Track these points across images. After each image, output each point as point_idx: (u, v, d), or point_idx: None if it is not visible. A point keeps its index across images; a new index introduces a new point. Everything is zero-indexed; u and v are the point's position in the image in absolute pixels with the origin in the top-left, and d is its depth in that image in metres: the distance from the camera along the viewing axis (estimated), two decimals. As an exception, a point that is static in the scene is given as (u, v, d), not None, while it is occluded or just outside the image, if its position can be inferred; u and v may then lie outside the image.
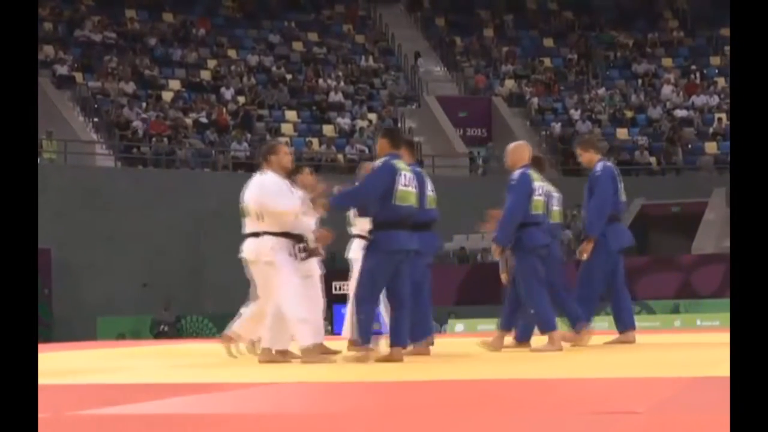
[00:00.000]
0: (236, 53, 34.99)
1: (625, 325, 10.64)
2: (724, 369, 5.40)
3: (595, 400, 5.12)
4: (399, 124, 33.79)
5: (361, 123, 32.99)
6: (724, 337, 9.22)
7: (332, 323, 21.44)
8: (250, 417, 4.76)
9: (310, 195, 8.53)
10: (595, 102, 35.93)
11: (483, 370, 7.59)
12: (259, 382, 6.87)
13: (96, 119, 30.51)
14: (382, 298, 8.77)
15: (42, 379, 4.91)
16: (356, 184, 8.75)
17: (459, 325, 23.97)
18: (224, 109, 31.82)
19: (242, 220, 8.95)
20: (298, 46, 36.33)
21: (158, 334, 25.45)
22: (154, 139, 29.78)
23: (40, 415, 4.16)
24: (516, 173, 9.55)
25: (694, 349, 9.78)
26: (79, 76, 31.40)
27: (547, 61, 37.90)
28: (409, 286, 8.49)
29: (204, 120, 31.17)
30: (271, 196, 8.46)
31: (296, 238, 8.56)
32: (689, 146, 34.20)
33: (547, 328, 9.54)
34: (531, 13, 40.13)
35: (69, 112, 30.01)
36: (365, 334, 8.31)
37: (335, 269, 14.58)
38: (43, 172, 24.13)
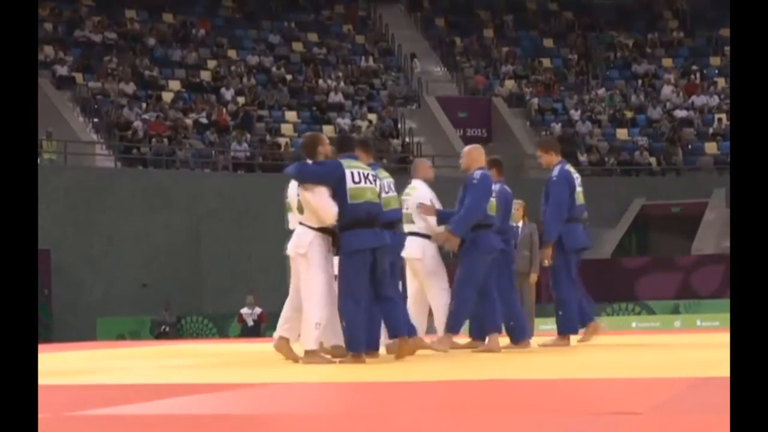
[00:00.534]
0: (236, 54, 35.00)
1: (581, 322, 10.62)
2: (724, 369, 5.41)
3: (595, 401, 5.12)
4: (399, 125, 33.81)
5: (361, 123, 32.99)
6: (724, 338, 9.22)
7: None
8: (250, 417, 4.76)
9: None
10: (595, 102, 35.93)
11: (483, 371, 7.59)
12: (258, 383, 6.87)
13: (96, 120, 30.51)
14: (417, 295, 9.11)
15: (42, 380, 4.91)
16: None
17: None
18: (224, 110, 31.82)
19: (286, 215, 8.82)
20: (298, 46, 36.34)
21: (159, 335, 25.46)
22: (154, 139, 29.78)
23: (40, 416, 4.16)
24: (477, 173, 9.57)
25: (694, 350, 9.78)
26: (79, 77, 31.40)
27: (547, 62, 37.90)
28: (389, 281, 8.52)
29: (204, 120, 31.17)
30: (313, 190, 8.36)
31: (334, 234, 8.46)
32: (689, 146, 34.21)
33: (452, 329, 9.53)
34: (531, 14, 40.14)
35: (69, 112, 30.00)
36: (353, 340, 8.25)
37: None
38: (42, 172, 24.14)
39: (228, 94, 32.61)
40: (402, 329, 8.58)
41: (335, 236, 8.43)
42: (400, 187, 9.79)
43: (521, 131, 34.83)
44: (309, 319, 8.32)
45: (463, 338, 10.30)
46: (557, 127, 34.62)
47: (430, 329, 10.21)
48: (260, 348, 13.46)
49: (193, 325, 26.32)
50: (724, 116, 34.45)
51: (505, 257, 10.08)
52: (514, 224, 11.28)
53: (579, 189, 10.79)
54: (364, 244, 8.24)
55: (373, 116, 33.63)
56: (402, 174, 12.61)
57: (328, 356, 8.62)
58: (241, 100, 32.65)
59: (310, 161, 8.51)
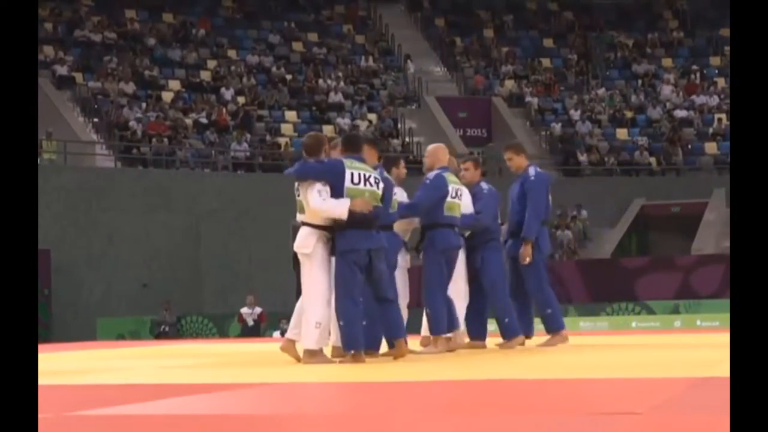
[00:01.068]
0: (236, 53, 35.01)
1: (525, 330, 10.57)
2: (724, 369, 5.41)
3: (595, 401, 5.12)
4: (399, 125, 33.82)
5: (361, 123, 32.98)
6: (724, 338, 9.22)
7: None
8: (250, 417, 4.76)
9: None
10: (595, 102, 35.94)
11: (482, 371, 7.59)
12: (258, 383, 6.87)
13: (96, 120, 30.51)
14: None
15: (42, 380, 4.91)
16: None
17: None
18: (224, 110, 31.82)
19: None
20: (298, 46, 36.34)
21: (159, 335, 25.46)
22: (153, 139, 29.78)
23: (40, 416, 4.16)
24: (431, 173, 9.60)
25: (694, 350, 9.78)
26: (79, 77, 31.41)
27: (546, 62, 37.91)
28: (387, 282, 8.52)
29: (204, 120, 31.17)
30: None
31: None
32: (689, 146, 34.22)
33: (437, 331, 9.54)
34: (531, 14, 40.15)
35: (69, 112, 30.01)
36: (351, 339, 8.25)
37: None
38: (42, 172, 24.15)
39: (228, 94, 32.61)
40: (399, 332, 8.58)
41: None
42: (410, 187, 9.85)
43: (521, 131, 34.82)
44: (310, 318, 8.32)
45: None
46: (557, 127, 34.62)
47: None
48: (260, 348, 13.46)
49: (193, 325, 26.31)
50: (724, 116, 34.46)
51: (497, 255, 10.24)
52: None
53: (549, 194, 10.87)
54: (358, 245, 8.24)
55: (372, 116, 33.63)
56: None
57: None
58: (241, 100, 32.65)
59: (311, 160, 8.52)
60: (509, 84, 36.63)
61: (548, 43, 39.09)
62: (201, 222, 28.15)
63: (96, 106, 30.66)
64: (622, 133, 34.88)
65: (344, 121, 32.80)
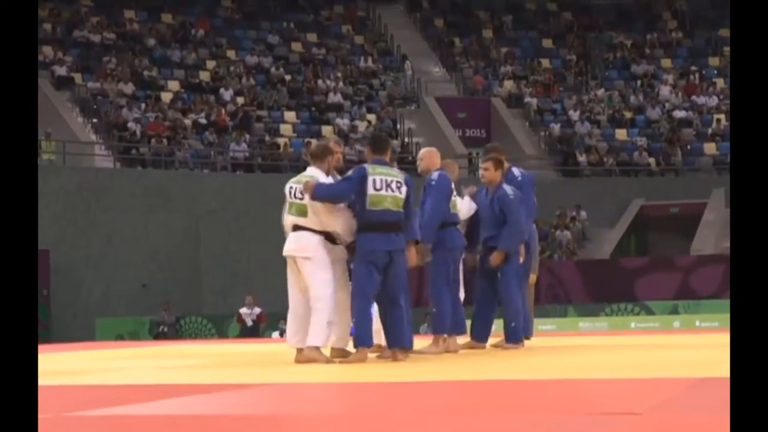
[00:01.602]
0: (235, 54, 35.00)
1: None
2: (723, 370, 5.41)
3: (595, 401, 5.12)
4: (398, 125, 33.81)
5: (360, 124, 32.99)
6: (724, 338, 9.22)
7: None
8: (250, 417, 4.76)
9: None
10: (594, 103, 35.94)
11: (482, 371, 7.59)
12: (258, 383, 6.87)
13: (95, 120, 30.50)
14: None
15: (41, 380, 4.91)
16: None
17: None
18: (223, 110, 31.82)
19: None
20: (297, 46, 36.34)
21: (158, 335, 25.45)
22: (153, 139, 29.77)
23: (40, 416, 4.15)
24: (434, 174, 9.59)
25: (694, 350, 9.78)
26: (78, 77, 31.40)
27: (546, 62, 37.92)
28: (400, 285, 8.61)
29: (203, 121, 31.17)
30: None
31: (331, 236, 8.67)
32: (688, 147, 34.22)
33: (440, 330, 9.54)
34: (530, 14, 40.15)
35: (68, 112, 30.00)
36: (360, 336, 8.46)
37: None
38: (42, 172, 24.15)
39: (227, 94, 32.61)
40: (403, 341, 8.63)
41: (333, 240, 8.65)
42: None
43: (520, 132, 34.84)
44: (322, 317, 8.45)
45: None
46: (556, 128, 34.63)
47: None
48: (259, 348, 13.44)
49: (192, 326, 26.31)
50: (723, 117, 34.47)
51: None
52: None
53: None
54: (378, 246, 8.43)
55: (372, 117, 33.63)
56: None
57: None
58: (240, 100, 32.65)
59: (318, 169, 8.68)
60: (508, 84, 36.63)
61: (547, 43, 39.10)
62: (200, 222, 28.15)
63: (95, 107, 30.65)
64: (621, 134, 34.88)
65: (343, 122, 32.81)
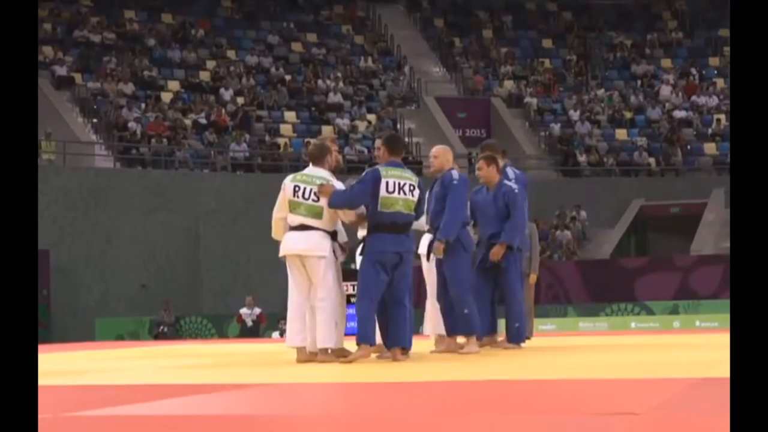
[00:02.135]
0: (235, 54, 35.01)
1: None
2: (723, 370, 5.41)
3: (595, 401, 5.12)
4: (398, 125, 33.80)
5: (360, 124, 33.00)
6: (723, 339, 9.22)
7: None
8: (250, 417, 4.76)
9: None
10: (594, 103, 35.95)
11: (481, 371, 7.59)
12: (257, 383, 6.87)
13: (95, 120, 30.51)
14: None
15: (41, 380, 4.91)
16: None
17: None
18: (223, 110, 31.82)
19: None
20: (297, 46, 36.34)
21: (158, 335, 25.46)
22: (153, 139, 29.78)
23: (40, 416, 4.15)
24: (454, 173, 9.53)
25: (693, 350, 9.78)
26: (78, 77, 31.41)
27: (546, 62, 37.93)
28: (406, 286, 8.69)
29: (203, 121, 31.17)
30: None
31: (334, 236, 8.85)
32: (688, 147, 34.23)
33: (471, 331, 9.51)
34: (530, 14, 40.16)
35: (68, 113, 30.01)
36: (362, 334, 8.55)
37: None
38: (41, 172, 24.15)
39: (227, 94, 32.61)
40: (404, 341, 8.70)
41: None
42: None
43: (520, 132, 34.85)
44: (331, 317, 8.54)
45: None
46: (556, 128, 34.64)
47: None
48: (259, 348, 13.44)
49: (192, 326, 26.32)
50: (723, 117, 34.48)
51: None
52: None
53: None
54: (387, 247, 8.54)
55: (372, 117, 33.63)
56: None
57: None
58: (240, 100, 32.65)
59: (320, 168, 8.76)
60: (508, 84, 36.64)
61: (547, 43, 39.10)
62: (200, 222, 28.15)
63: (95, 107, 30.66)
64: (621, 134, 34.89)
65: (343, 122, 32.81)
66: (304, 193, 8.63)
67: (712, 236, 29.53)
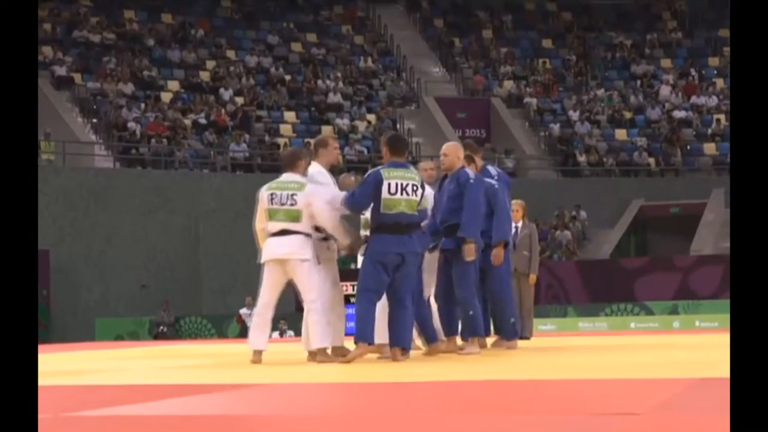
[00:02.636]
0: (235, 54, 35.01)
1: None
2: (723, 370, 5.41)
3: (594, 402, 5.12)
4: (398, 125, 33.80)
5: (359, 124, 32.99)
6: (723, 339, 9.22)
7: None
8: (250, 418, 4.76)
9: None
10: (593, 103, 35.95)
11: (482, 371, 7.59)
12: (257, 383, 6.87)
13: (95, 120, 30.51)
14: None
15: (41, 380, 4.91)
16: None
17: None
18: (223, 110, 31.82)
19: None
20: (296, 47, 36.34)
21: (157, 335, 25.46)
22: (152, 140, 29.78)
23: (40, 416, 4.15)
24: (469, 172, 9.49)
25: (693, 351, 9.78)
26: (77, 77, 31.41)
27: (546, 62, 37.91)
28: (408, 286, 8.68)
29: (203, 121, 31.17)
30: None
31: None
32: (688, 147, 34.23)
33: (476, 333, 9.48)
34: (530, 14, 40.15)
35: (68, 113, 30.01)
36: (360, 332, 8.57)
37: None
38: (41, 172, 24.15)
39: (227, 94, 32.61)
40: (405, 341, 8.70)
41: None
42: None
43: (520, 132, 34.84)
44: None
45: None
46: (556, 128, 34.64)
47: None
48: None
49: (191, 326, 26.31)
50: (722, 117, 34.48)
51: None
52: (513, 224, 11.20)
53: None
54: (389, 248, 8.54)
55: (371, 117, 33.63)
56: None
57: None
58: (239, 100, 32.65)
59: (294, 174, 8.82)
60: (508, 84, 36.63)
61: (547, 43, 39.10)
62: (200, 222, 28.15)
63: (95, 107, 30.66)
64: (621, 134, 34.89)
65: (343, 122, 32.82)
66: (281, 199, 8.74)
67: (712, 236, 29.53)
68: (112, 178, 28.01)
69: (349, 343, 8.88)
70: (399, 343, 8.64)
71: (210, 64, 34.02)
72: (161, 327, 25.87)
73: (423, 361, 8.71)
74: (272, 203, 8.74)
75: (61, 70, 31.13)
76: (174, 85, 32.81)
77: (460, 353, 9.34)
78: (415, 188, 8.66)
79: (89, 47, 32.87)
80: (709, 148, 34.05)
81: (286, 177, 8.87)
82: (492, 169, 10.55)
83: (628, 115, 35.51)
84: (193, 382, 7.16)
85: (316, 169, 8.95)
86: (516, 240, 11.69)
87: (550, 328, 23.45)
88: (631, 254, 31.31)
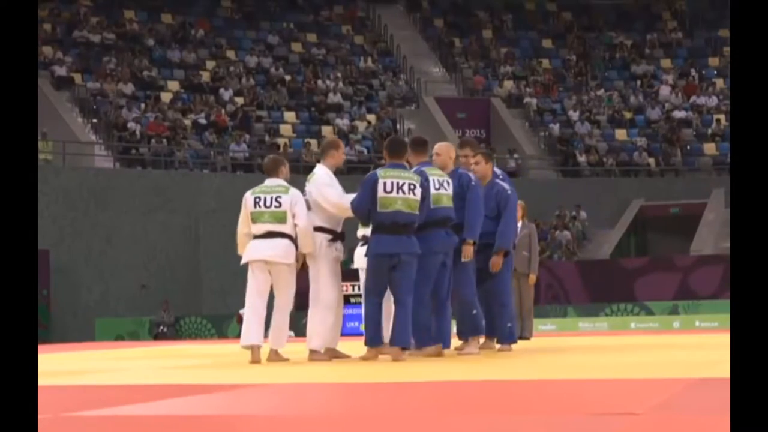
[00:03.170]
0: (235, 54, 35.01)
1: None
2: (723, 370, 5.41)
3: (595, 401, 5.12)
4: (398, 126, 33.80)
5: (359, 124, 32.99)
6: (723, 339, 9.23)
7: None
8: (250, 418, 4.76)
9: None
10: (593, 103, 35.95)
11: (482, 371, 7.59)
12: (257, 383, 6.87)
13: (95, 120, 30.51)
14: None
15: (41, 380, 4.91)
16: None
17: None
18: (223, 110, 31.82)
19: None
20: (296, 47, 36.34)
21: (157, 335, 25.46)
22: (152, 140, 29.78)
23: (40, 416, 4.15)
24: (470, 175, 9.49)
25: (693, 351, 9.78)
26: (77, 77, 31.41)
27: (545, 62, 37.93)
28: (407, 286, 8.65)
29: (203, 121, 31.17)
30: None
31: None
32: (688, 147, 34.24)
33: (478, 332, 9.50)
34: (530, 14, 40.16)
35: (68, 113, 30.00)
36: (368, 336, 8.71)
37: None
38: (41, 172, 24.15)
39: (227, 94, 32.61)
40: (404, 341, 8.69)
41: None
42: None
43: (520, 132, 34.84)
44: (286, 322, 9.15)
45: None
46: (556, 128, 34.64)
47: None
48: (259, 348, 13.39)
49: (191, 326, 26.32)
50: (722, 117, 34.48)
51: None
52: None
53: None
54: (388, 249, 8.60)
55: (371, 117, 33.63)
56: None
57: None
58: (239, 100, 32.65)
59: (277, 179, 9.14)
60: (508, 85, 36.64)
61: (547, 43, 39.10)
62: (200, 223, 28.15)
63: (95, 107, 30.66)
64: (621, 134, 34.89)
65: (343, 122, 32.82)
66: (265, 202, 9.02)
67: (712, 236, 29.53)
68: (112, 178, 28.01)
69: (350, 343, 8.89)
70: (399, 343, 8.64)
71: (210, 64, 34.02)
72: (161, 327, 25.87)
73: (423, 361, 8.71)
74: (257, 206, 9.04)
75: (61, 70, 31.13)
76: (174, 85, 32.81)
77: (459, 353, 9.35)
78: (412, 187, 8.68)
79: (89, 47, 32.87)
80: (709, 148, 34.06)
81: (270, 182, 9.17)
82: (497, 170, 10.58)
83: (628, 115, 35.52)
84: (193, 382, 7.16)
85: (322, 170, 9.02)
86: (516, 240, 11.67)
87: (550, 328, 23.44)
88: (631, 254, 31.30)
